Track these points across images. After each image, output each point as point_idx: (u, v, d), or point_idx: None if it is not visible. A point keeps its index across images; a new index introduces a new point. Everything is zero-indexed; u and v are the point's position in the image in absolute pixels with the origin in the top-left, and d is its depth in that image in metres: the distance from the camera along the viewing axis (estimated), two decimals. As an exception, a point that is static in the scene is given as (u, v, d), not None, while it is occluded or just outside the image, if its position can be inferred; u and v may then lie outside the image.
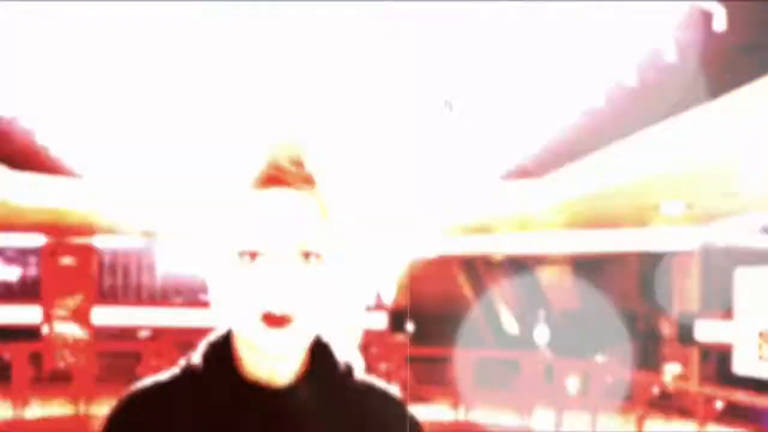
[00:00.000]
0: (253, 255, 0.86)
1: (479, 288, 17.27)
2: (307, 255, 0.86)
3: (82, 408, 10.40)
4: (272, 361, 0.89)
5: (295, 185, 0.88)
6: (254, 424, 0.89)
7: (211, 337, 0.95)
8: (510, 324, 16.95)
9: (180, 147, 7.40)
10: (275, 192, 0.87)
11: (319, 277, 0.87)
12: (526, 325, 16.22)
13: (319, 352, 0.94)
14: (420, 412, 1.08)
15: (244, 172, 0.90)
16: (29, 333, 13.82)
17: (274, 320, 0.84)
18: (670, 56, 5.04)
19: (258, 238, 0.85)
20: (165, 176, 7.61)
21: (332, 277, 0.89)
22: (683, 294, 12.55)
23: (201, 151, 7.15)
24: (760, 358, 9.69)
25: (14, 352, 10.88)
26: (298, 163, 0.90)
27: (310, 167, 0.91)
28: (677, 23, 4.81)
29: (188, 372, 0.93)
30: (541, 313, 15.80)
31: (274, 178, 0.87)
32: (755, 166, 7.15)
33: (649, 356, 12.87)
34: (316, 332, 0.92)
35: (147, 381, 0.97)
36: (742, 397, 8.22)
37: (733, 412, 8.56)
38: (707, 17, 4.68)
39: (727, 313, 10.78)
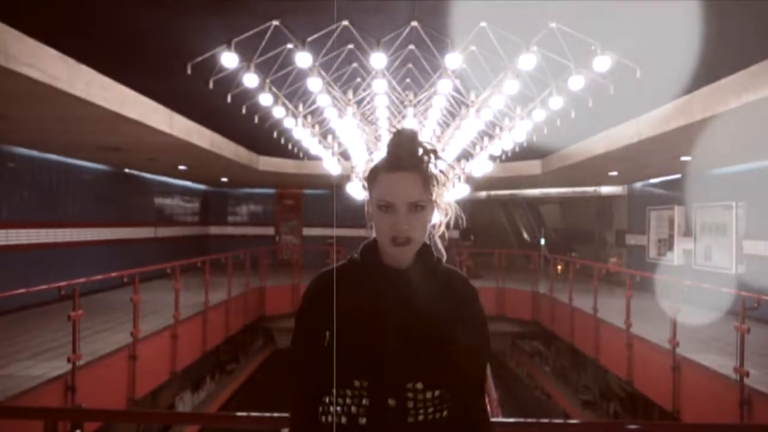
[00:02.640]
0: (387, 206, 1.34)
1: (509, 216, 21.83)
2: (414, 206, 1.35)
3: (295, 280, 12.91)
4: (397, 258, 1.38)
5: (408, 169, 1.35)
6: (388, 288, 1.34)
7: (366, 242, 1.44)
8: (525, 235, 21.14)
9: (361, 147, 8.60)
10: (397, 173, 1.35)
11: (422, 218, 1.35)
12: (534, 236, 20.28)
13: (423, 250, 1.40)
14: (477, 283, 1.66)
15: (382, 163, 1.39)
16: (268, 240, 18.42)
17: (397, 241, 1.33)
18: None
19: (389, 197, 1.33)
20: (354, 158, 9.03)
21: (428, 217, 1.37)
22: (619, 219, 15.73)
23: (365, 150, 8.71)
24: (659, 253, 12.85)
25: (261, 251, 13.41)
26: (411, 155, 1.38)
27: (416, 158, 1.38)
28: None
29: (353, 260, 1.42)
30: (542, 230, 19.71)
31: (396, 165, 1.35)
32: (652, 154, 9.14)
33: (600, 253, 16.54)
34: (420, 245, 1.39)
35: (330, 266, 1.44)
36: (649, 274, 8.89)
37: (645, 284, 9.61)
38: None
39: (642, 230, 13.60)
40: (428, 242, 1.46)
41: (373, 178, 1.42)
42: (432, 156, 1.41)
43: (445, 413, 1.38)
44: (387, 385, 1.35)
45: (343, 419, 1.38)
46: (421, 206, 1.37)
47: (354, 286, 1.40)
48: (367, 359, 1.35)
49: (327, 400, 1.42)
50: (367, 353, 1.35)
